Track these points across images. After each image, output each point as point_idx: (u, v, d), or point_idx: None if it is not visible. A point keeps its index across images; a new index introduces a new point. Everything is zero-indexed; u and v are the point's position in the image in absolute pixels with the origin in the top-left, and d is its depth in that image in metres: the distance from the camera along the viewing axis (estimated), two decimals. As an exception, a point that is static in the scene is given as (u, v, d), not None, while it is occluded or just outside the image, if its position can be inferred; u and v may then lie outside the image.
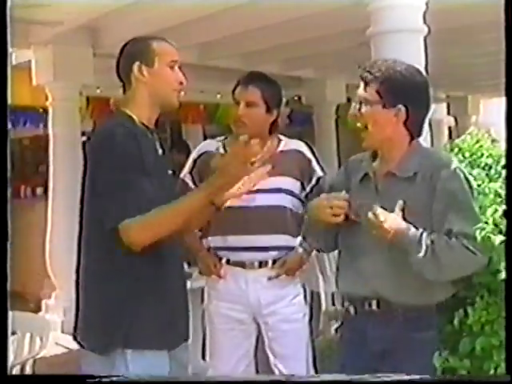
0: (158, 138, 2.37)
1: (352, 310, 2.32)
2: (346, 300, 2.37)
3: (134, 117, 2.28)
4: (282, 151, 3.00)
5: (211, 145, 3.08)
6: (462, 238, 2.09)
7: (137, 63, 2.29)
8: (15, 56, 7.22)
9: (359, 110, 2.20)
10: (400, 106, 2.17)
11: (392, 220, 2.11)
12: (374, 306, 2.23)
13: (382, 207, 2.18)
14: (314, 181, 3.00)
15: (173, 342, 2.28)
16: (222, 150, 3.01)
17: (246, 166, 2.18)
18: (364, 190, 2.30)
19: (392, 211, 2.17)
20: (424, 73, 2.32)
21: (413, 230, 2.12)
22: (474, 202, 2.16)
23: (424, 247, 2.08)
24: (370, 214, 2.13)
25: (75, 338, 2.31)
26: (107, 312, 2.21)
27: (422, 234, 2.11)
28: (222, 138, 3.09)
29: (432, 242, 2.10)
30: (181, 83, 2.34)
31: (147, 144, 2.26)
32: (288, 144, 3.04)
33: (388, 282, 2.18)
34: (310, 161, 3.02)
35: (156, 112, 2.36)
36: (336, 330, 3.35)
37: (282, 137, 3.07)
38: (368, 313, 2.24)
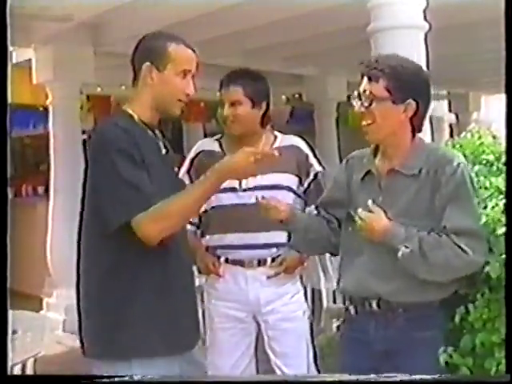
0: (161, 137, 2.34)
1: (352, 309, 2.31)
2: (346, 300, 2.36)
3: (135, 116, 2.24)
4: (278, 147, 2.99)
5: (208, 144, 3.07)
6: (454, 236, 2.08)
7: (147, 64, 2.21)
8: (15, 55, 7.22)
9: (367, 106, 2.18)
10: (410, 100, 2.17)
11: (378, 220, 2.13)
12: (375, 306, 2.22)
13: (384, 204, 2.18)
14: (311, 176, 3.00)
15: (183, 346, 2.22)
16: (218, 149, 3.00)
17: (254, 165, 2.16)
18: (366, 188, 2.29)
19: (396, 210, 2.17)
20: (425, 68, 2.32)
21: (400, 228, 2.13)
22: (475, 200, 2.16)
23: (412, 244, 2.09)
24: (357, 218, 2.14)
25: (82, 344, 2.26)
26: (108, 317, 2.15)
27: (410, 231, 2.11)
28: (218, 136, 3.08)
29: (421, 239, 2.10)
30: (188, 94, 2.27)
31: (148, 143, 2.23)
32: (284, 140, 3.03)
33: (386, 282, 2.17)
34: (307, 156, 3.01)
35: (157, 113, 2.31)
36: (338, 327, 3.33)
37: (277, 133, 3.07)
38: (369, 313, 2.24)
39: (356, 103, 2.22)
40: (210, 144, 3.04)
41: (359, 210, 2.12)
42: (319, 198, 2.56)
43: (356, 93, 2.22)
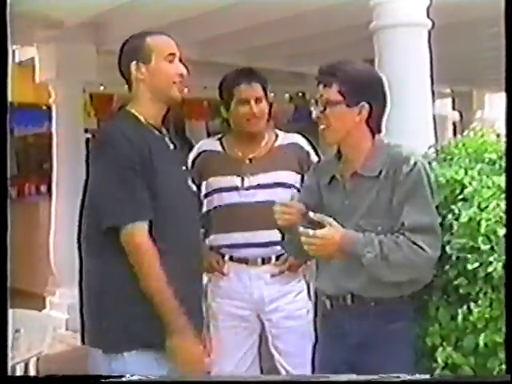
0: (167, 134, 2.38)
1: (328, 304, 2.36)
2: (322, 295, 2.41)
3: (140, 116, 2.30)
4: (280, 145, 3.00)
5: (209, 144, 3.07)
6: (411, 234, 2.12)
7: (134, 62, 2.29)
8: (18, 53, 7.24)
9: (322, 111, 2.23)
10: (363, 103, 2.21)
11: (331, 234, 2.15)
12: (349, 301, 2.27)
13: (350, 207, 2.25)
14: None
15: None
16: (220, 149, 3.00)
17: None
18: (333, 192, 2.34)
19: (362, 211, 2.22)
20: (376, 70, 2.35)
21: (357, 234, 2.17)
22: (431, 197, 2.20)
23: (373, 248, 2.13)
24: (304, 239, 2.15)
25: (83, 340, 2.32)
26: (107, 312, 2.21)
27: (370, 238, 2.15)
28: (219, 136, 3.08)
29: (380, 242, 2.14)
30: (181, 75, 2.32)
31: (155, 143, 2.27)
32: (285, 138, 3.04)
33: (356, 279, 2.22)
34: (308, 153, 3.02)
35: (161, 108, 2.36)
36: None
37: (278, 131, 3.07)
38: (343, 307, 2.29)
39: (313, 109, 2.27)
40: (212, 144, 3.04)
41: (309, 232, 2.13)
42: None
43: (313, 100, 2.28)
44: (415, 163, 2.18)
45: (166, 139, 2.37)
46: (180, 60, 2.35)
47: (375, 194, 2.22)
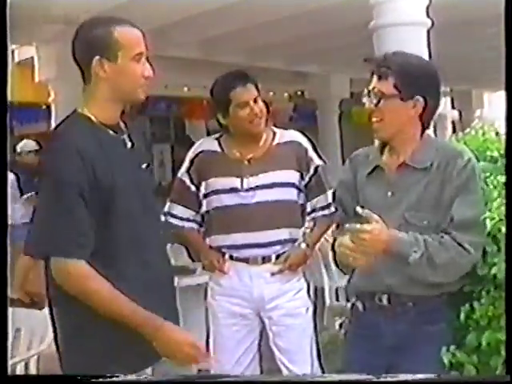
0: (126, 132, 2.15)
1: (360, 306, 2.30)
2: (353, 296, 2.35)
3: (93, 118, 2.06)
4: (278, 144, 2.99)
5: (207, 143, 3.06)
6: (457, 232, 2.08)
7: (97, 57, 2.03)
8: (18, 53, 7.24)
9: (376, 104, 2.18)
10: (418, 97, 2.16)
11: (381, 230, 2.06)
12: (385, 301, 2.22)
13: (394, 199, 2.19)
14: (312, 170, 2.99)
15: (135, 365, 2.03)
16: (218, 148, 2.98)
17: None
18: (373, 184, 2.28)
19: (408, 204, 2.17)
20: (434, 64, 2.31)
21: (403, 233, 2.11)
22: (481, 194, 2.16)
23: (419, 248, 2.07)
24: (351, 236, 2.06)
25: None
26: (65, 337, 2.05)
27: (415, 237, 2.10)
28: (218, 135, 3.07)
29: (425, 242, 2.09)
30: (147, 77, 2.07)
31: (105, 145, 2.05)
32: (283, 136, 3.03)
33: (396, 274, 2.15)
34: (306, 150, 3.01)
35: (119, 107, 2.12)
36: (340, 325, 3.35)
37: (275, 129, 3.06)
38: (378, 308, 2.23)
39: (366, 101, 2.21)
40: (210, 143, 3.03)
41: (357, 226, 2.05)
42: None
43: (366, 91, 2.21)
44: (469, 159, 2.15)
45: (124, 137, 2.13)
46: (147, 57, 2.09)
47: (423, 187, 2.16)
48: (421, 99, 2.17)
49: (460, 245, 2.07)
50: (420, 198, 2.16)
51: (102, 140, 2.04)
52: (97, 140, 2.03)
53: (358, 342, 2.34)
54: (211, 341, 3.01)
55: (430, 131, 2.31)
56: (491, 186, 2.18)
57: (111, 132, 2.09)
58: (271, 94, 8.54)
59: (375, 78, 2.19)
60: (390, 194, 2.21)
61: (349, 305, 2.39)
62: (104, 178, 1.98)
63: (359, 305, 2.30)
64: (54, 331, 2.10)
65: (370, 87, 2.20)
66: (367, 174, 2.29)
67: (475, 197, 2.13)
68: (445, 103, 12.16)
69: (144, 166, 2.19)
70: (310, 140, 3.07)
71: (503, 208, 2.04)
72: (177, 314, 2.22)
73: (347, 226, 2.07)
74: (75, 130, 2.05)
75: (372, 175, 2.28)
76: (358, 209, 2.10)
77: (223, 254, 2.95)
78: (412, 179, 2.19)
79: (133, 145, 2.15)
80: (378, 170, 2.27)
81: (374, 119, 2.20)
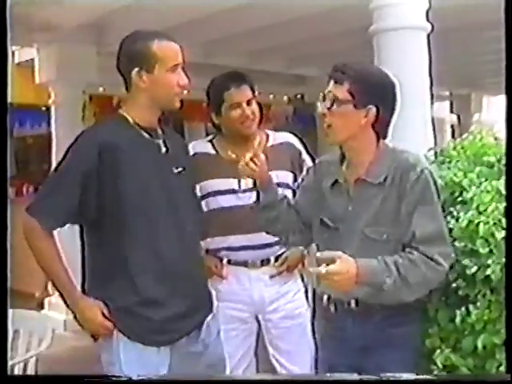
0: (161, 137, 2.36)
1: (333, 308, 2.31)
2: (325, 299, 2.36)
3: (130, 118, 2.29)
4: (272, 145, 3.00)
5: (200, 145, 3.06)
6: (424, 247, 2.08)
7: (136, 69, 2.24)
8: (18, 54, 7.24)
9: (329, 108, 2.19)
10: (371, 106, 2.17)
11: (345, 268, 2.04)
12: (353, 305, 2.24)
13: (354, 214, 2.20)
14: (304, 171, 3.01)
15: (172, 338, 2.33)
16: (212, 151, 2.99)
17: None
18: (336, 196, 2.30)
19: (367, 219, 2.17)
20: (391, 75, 2.30)
21: (372, 261, 2.10)
22: (439, 204, 2.17)
23: (391, 272, 2.07)
24: (319, 277, 2.08)
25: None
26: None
27: (385, 261, 2.09)
28: (211, 137, 3.08)
29: (396, 263, 2.09)
30: (183, 86, 2.29)
31: (138, 145, 2.27)
32: (277, 137, 3.04)
33: (361, 286, 2.14)
34: (300, 152, 3.03)
35: (157, 113, 2.35)
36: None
37: (268, 131, 3.07)
38: (347, 311, 2.25)
39: (320, 105, 2.23)
40: (203, 145, 3.03)
41: (323, 270, 2.01)
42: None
43: (322, 94, 2.24)
44: (422, 170, 2.14)
45: (159, 143, 2.34)
46: (182, 67, 2.30)
47: (380, 202, 2.17)
48: (374, 108, 2.16)
49: (431, 259, 2.07)
50: (378, 213, 2.16)
51: (134, 139, 2.28)
52: (128, 138, 2.27)
53: (328, 342, 2.38)
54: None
55: (422, 135, 2.31)
56: (487, 192, 2.18)
57: (146, 135, 2.30)
58: (271, 96, 8.56)
59: (332, 82, 2.21)
60: (350, 208, 2.23)
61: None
62: (129, 172, 2.22)
63: (331, 307, 2.31)
64: None
65: (326, 91, 2.21)
66: (330, 186, 2.31)
67: (433, 207, 2.13)
68: (444, 107, 12.16)
69: (176, 170, 2.38)
70: (302, 142, 3.09)
71: (497, 212, 2.05)
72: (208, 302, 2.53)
73: (311, 270, 2.09)
74: (106, 125, 2.34)
75: (334, 187, 2.30)
76: (318, 254, 2.10)
77: (221, 259, 2.95)
78: (369, 194, 2.20)
79: (167, 150, 2.35)
80: (338, 184, 2.29)
81: (324, 124, 2.21)
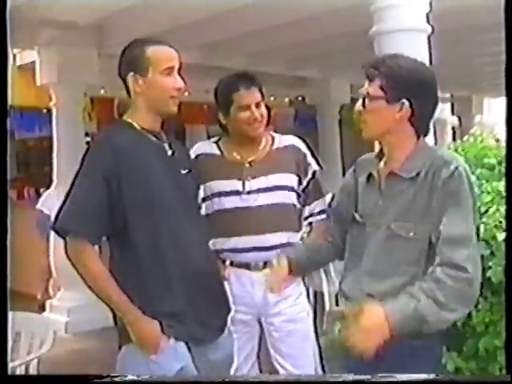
0: (166, 140, 2.39)
1: None
2: (343, 302, 2.33)
3: (135, 124, 2.31)
4: (278, 148, 2.99)
5: (206, 146, 3.06)
6: (447, 249, 2.00)
7: (131, 74, 2.29)
8: (19, 57, 7.25)
9: (363, 105, 2.18)
10: (404, 100, 2.13)
11: (375, 314, 1.98)
12: None
13: (384, 208, 2.16)
14: (310, 175, 3.00)
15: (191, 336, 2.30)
16: (217, 151, 2.99)
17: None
18: (369, 191, 2.27)
19: (395, 214, 2.13)
20: (431, 69, 2.28)
21: (396, 300, 2.02)
22: (473, 204, 2.09)
23: (416, 298, 1.99)
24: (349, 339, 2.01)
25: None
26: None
27: (411, 293, 2.00)
28: (216, 138, 3.08)
29: (422, 289, 2.00)
30: (178, 89, 2.31)
31: (150, 150, 2.30)
32: (282, 140, 3.04)
33: (379, 282, 2.12)
34: (305, 155, 3.02)
35: (159, 118, 2.37)
36: (339, 330, 3.34)
37: (274, 134, 3.07)
38: None
39: (357, 103, 2.22)
40: (208, 147, 3.03)
41: (348, 333, 1.97)
42: (331, 203, 2.57)
43: (360, 92, 2.22)
44: (456, 168, 2.07)
45: (165, 146, 2.37)
46: (179, 71, 2.33)
47: (411, 197, 2.11)
48: (406, 102, 2.12)
49: (455, 266, 1.97)
50: (406, 208, 2.11)
51: (143, 142, 2.31)
52: (137, 141, 2.30)
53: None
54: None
55: (428, 139, 2.29)
56: (488, 193, 2.18)
57: (153, 138, 2.34)
58: (272, 98, 8.56)
59: (366, 80, 2.20)
60: (380, 202, 2.19)
61: None
62: (142, 177, 2.24)
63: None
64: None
65: (361, 89, 2.20)
66: (365, 181, 2.29)
67: (464, 207, 2.05)
68: (445, 109, 12.16)
69: (184, 172, 2.41)
70: (307, 145, 3.09)
71: (498, 214, 2.04)
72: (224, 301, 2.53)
73: (337, 332, 2.07)
74: (115, 130, 2.34)
75: (368, 182, 2.27)
76: (344, 310, 2.09)
77: (223, 261, 2.94)
78: (399, 188, 2.15)
79: (173, 153, 2.39)
80: (372, 178, 2.26)
81: (360, 120, 2.20)
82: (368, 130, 2.20)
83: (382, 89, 2.13)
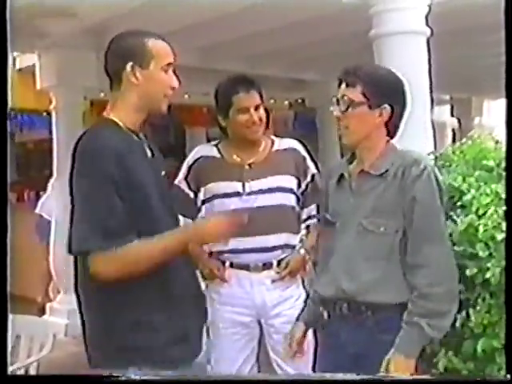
0: (146, 141, 2.29)
1: (326, 314, 2.32)
2: (319, 305, 2.37)
3: (120, 122, 2.20)
4: (277, 150, 3.01)
5: (206, 149, 3.07)
6: (421, 247, 2.12)
7: (130, 63, 2.17)
8: (19, 60, 7.26)
9: (344, 111, 2.23)
10: (385, 105, 2.22)
11: (404, 364, 2.09)
12: (345, 310, 2.24)
13: (355, 205, 2.24)
14: (309, 177, 3.02)
15: (181, 360, 2.16)
16: (217, 154, 3.00)
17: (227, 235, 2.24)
18: (340, 191, 2.34)
19: (365, 210, 2.21)
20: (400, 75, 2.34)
21: (402, 335, 2.12)
22: (442, 203, 2.18)
23: (423, 315, 2.09)
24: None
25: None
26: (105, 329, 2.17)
27: (406, 322, 2.11)
28: (216, 142, 3.09)
29: (414, 311, 2.11)
30: (173, 88, 2.24)
31: (134, 150, 2.19)
32: (282, 143, 3.06)
33: (353, 279, 2.19)
34: (304, 158, 3.05)
35: (143, 115, 2.25)
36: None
37: (273, 137, 3.09)
38: (340, 317, 2.25)
39: (334, 108, 2.27)
40: (209, 149, 3.04)
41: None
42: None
43: (335, 99, 2.28)
44: (425, 167, 2.16)
45: (145, 146, 2.28)
46: (174, 70, 2.26)
47: (381, 193, 2.20)
48: (388, 107, 2.22)
49: (428, 266, 2.10)
50: (377, 205, 2.20)
51: (130, 143, 2.19)
52: (126, 143, 2.17)
53: (324, 351, 2.39)
54: (211, 351, 3.00)
55: (424, 139, 2.34)
56: (486, 195, 2.18)
57: (136, 138, 2.24)
58: (272, 101, 8.57)
59: (343, 85, 2.25)
60: (351, 200, 2.27)
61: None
62: (135, 178, 2.13)
63: (324, 313, 2.32)
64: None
65: (339, 95, 2.25)
66: (336, 183, 2.36)
67: (431, 208, 2.15)
68: (444, 111, 12.16)
69: (163, 173, 2.34)
70: (307, 149, 3.10)
71: (496, 216, 2.05)
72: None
73: None
74: (108, 132, 2.17)
75: (340, 183, 2.35)
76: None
77: (223, 262, 2.95)
78: (369, 185, 2.23)
79: (153, 154, 2.30)
80: (343, 178, 2.33)
81: (341, 126, 2.26)
82: (350, 136, 2.27)
83: (363, 95, 2.21)
